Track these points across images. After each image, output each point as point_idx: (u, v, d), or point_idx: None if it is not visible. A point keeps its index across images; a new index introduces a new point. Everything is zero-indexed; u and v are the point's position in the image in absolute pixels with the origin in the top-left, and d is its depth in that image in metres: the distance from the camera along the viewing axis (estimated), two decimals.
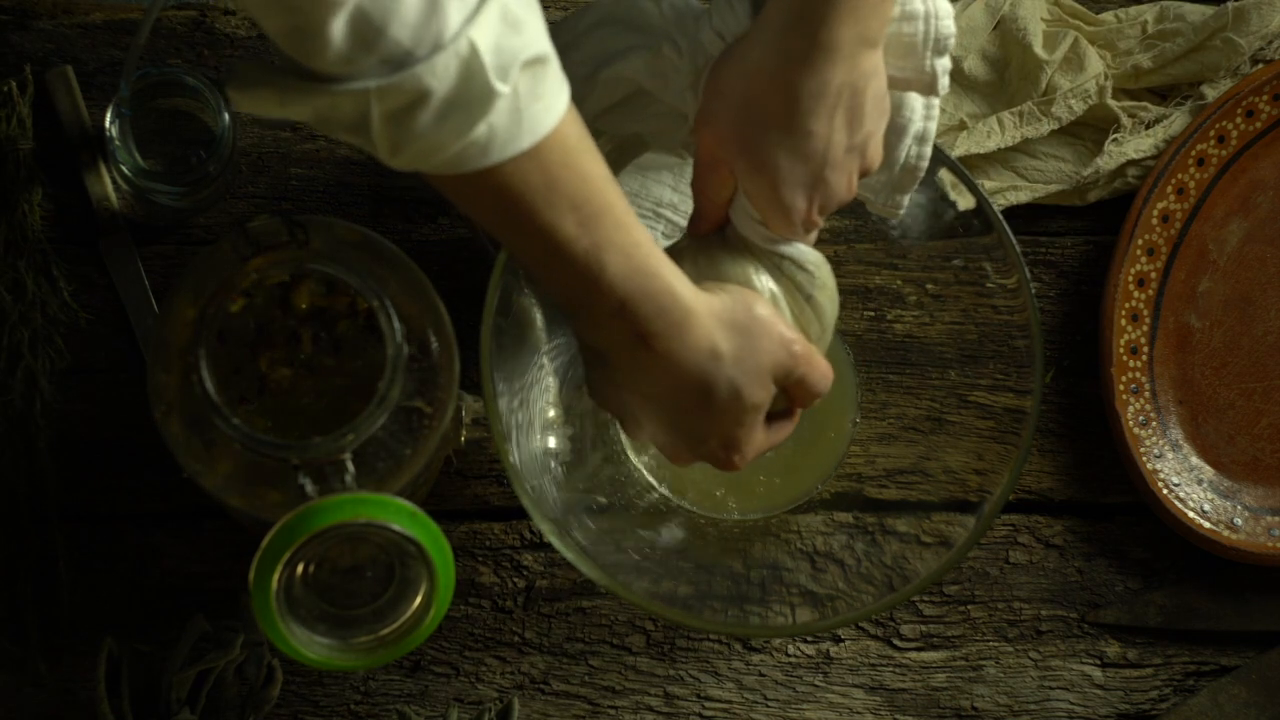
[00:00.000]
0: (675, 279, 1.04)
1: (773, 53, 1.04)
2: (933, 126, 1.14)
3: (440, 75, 0.92)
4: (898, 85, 1.11)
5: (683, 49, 1.10)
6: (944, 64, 1.11)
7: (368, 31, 0.89)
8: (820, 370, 1.11)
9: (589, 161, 1.00)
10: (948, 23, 1.10)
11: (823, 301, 1.14)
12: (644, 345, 1.05)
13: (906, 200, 1.17)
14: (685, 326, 1.05)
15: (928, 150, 1.14)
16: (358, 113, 0.93)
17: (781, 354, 1.08)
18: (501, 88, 0.93)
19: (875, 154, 1.10)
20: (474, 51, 0.92)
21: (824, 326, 1.15)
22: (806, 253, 1.13)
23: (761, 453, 1.13)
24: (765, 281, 1.11)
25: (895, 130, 1.13)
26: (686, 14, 1.11)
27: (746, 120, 1.06)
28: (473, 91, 0.93)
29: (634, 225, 1.02)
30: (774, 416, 1.13)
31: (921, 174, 1.15)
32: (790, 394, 1.11)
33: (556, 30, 1.11)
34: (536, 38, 0.95)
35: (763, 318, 1.08)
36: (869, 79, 1.06)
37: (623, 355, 1.06)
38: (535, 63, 0.95)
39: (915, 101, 1.13)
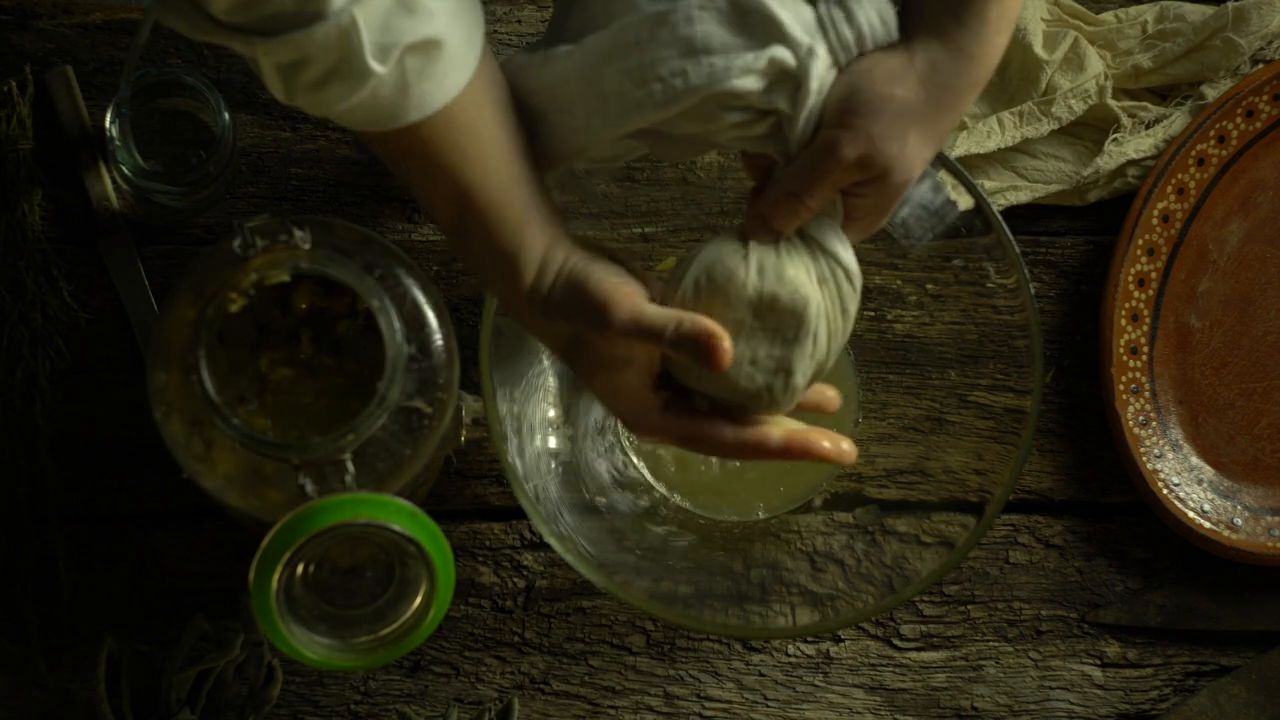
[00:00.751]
0: (526, 261, 1.04)
1: (918, 94, 1.02)
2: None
3: (319, 44, 0.94)
4: None
5: (807, 55, 1.04)
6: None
7: None
8: (657, 314, 1.04)
9: (473, 140, 1.02)
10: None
11: (851, 314, 1.11)
12: (503, 302, 1.07)
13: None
14: (525, 302, 1.05)
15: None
16: (250, 57, 0.96)
17: (595, 301, 1.03)
18: (377, 68, 0.95)
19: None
20: (354, 28, 0.93)
21: (840, 342, 1.11)
22: (853, 264, 1.09)
23: (673, 437, 1.08)
24: (814, 289, 1.08)
25: None
26: (808, 23, 1.05)
27: (900, 121, 1.03)
28: (349, 66, 0.95)
29: (505, 205, 1.03)
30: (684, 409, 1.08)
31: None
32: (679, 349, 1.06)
33: (645, 25, 1.05)
34: (431, 20, 0.96)
35: (595, 278, 1.04)
36: None
37: (500, 301, 1.09)
38: (427, 45, 0.96)
39: None
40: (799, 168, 1.04)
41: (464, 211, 1.04)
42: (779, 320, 1.06)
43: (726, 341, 1.02)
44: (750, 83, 1.02)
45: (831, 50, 1.04)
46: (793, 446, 1.07)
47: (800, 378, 1.07)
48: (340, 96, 0.97)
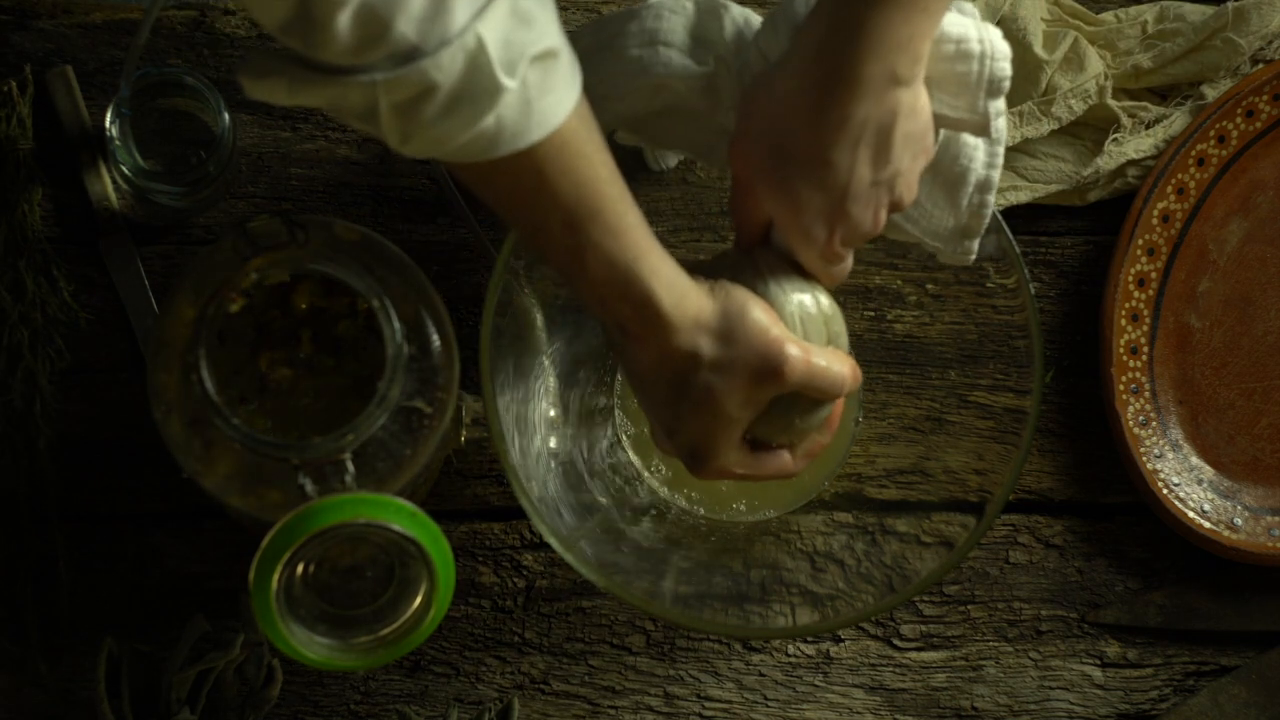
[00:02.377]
0: (660, 287, 1.04)
1: (800, 81, 1.04)
2: (995, 175, 1.13)
3: (446, 70, 0.92)
4: (949, 124, 1.11)
5: (733, 69, 1.10)
6: (998, 106, 1.10)
7: (374, 25, 0.90)
8: (825, 369, 1.10)
9: (585, 164, 1.01)
10: (1004, 65, 1.09)
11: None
12: (625, 335, 1.07)
13: (976, 245, 1.16)
14: (665, 332, 1.06)
15: (990, 199, 1.14)
16: (366, 103, 0.94)
17: (767, 361, 1.07)
18: (508, 83, 0.94)
19: (907, 192, 1.09)
20: (480, 46, 0.92)
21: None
22: (820, 296, 1.13)
23: (737, 475, 1.13)
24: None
25: (955, 178, 1.13)
26: (747, 35, 1.11)
27: (773, 145, 1.06)
28: (479, 86, 0.94)
29: (625, 230, 1.03)
30: (762, 447, 1.14)
31: (987, 219, 1.15)
32: (803, 394, 1.10)
33: (616, 19, 1.12)
34: (547, 31, 0.96)
35: (753, 323, 1.07)
36: (899, 117, 1.05)
37: (612, 334, 1.09)
38: (545, 56, 0.96)
39: (977, 150, 1.12)
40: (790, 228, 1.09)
41: (582, 239, 1.02)
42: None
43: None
44: (690, 85, 1.10)
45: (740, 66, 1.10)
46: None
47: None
48: (466, 124, 0.95)
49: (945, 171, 1.13)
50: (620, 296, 1.05)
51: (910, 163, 1.08)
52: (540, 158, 0.99)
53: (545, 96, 0.97)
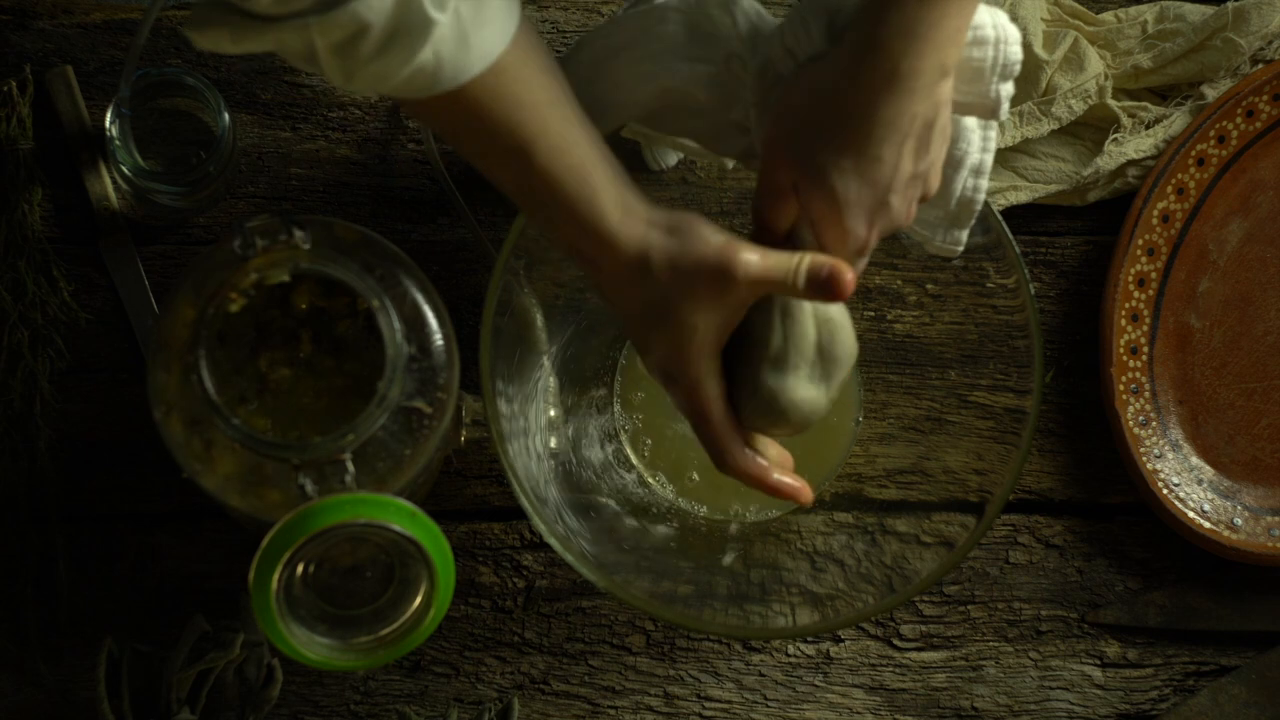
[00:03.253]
0: (606, 203, 1.05)
1: (849, 78, 1.04)
2: (989, 159, 1.13)
3: (375, 7, 0.94)
4: (960, 110, 1.11)
5: (749, 65, 1.10)
6: (1007, 90, 1.10)
7: None
8: (777, 260, 1.07)
9: (524, 90, 1.02)
10: (1015, 49, 1.09)
11: (840, 357, 1.13)
12: (584, 260, 1.08)
13: (965, 236, 1.16)
14: (614, 248, 1.06)
15: (984, 183, 1.14)
16: (304, 46, 0.96)
17: (720, 260, 1.05)
18: (439, 16, 0.96)
19: (935, 180, 1.09)
20: None
21: (833, 382, 1.14)
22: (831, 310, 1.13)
23: (709, 408, 1.10)
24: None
25: (951, 163, 1.13)
26: (760, 29, 1.10)
27: (817, 144, 1.06)
28: (410, 21, 0.95)
29: (567, 149, 1.04)
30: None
31: (979, 208, 1.15)
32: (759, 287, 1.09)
33: (620, 25, 1.11)
34: None
35: (702, 229, 1.06)
36: (940, 108, 1.05)
37: (580, 266, 1.10)
38: None
39: (973, 134, 1.12)
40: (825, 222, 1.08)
41: (528, 166, 1.04)
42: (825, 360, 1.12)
43: (849, 272, 1.06)
44: (698, 86, 1.10)
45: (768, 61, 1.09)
46: (782, 489, 1.12)
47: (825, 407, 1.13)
48: (403, 60, 0.96)
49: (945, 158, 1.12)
50: (568, 218, 1.05)
51: (940, 151, 1.08)
52: (477, 89, 1.00)
53: (481, 29, 0.98)
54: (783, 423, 1.11)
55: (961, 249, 1.17)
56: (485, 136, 1.03)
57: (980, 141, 1.13)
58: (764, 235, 1.11)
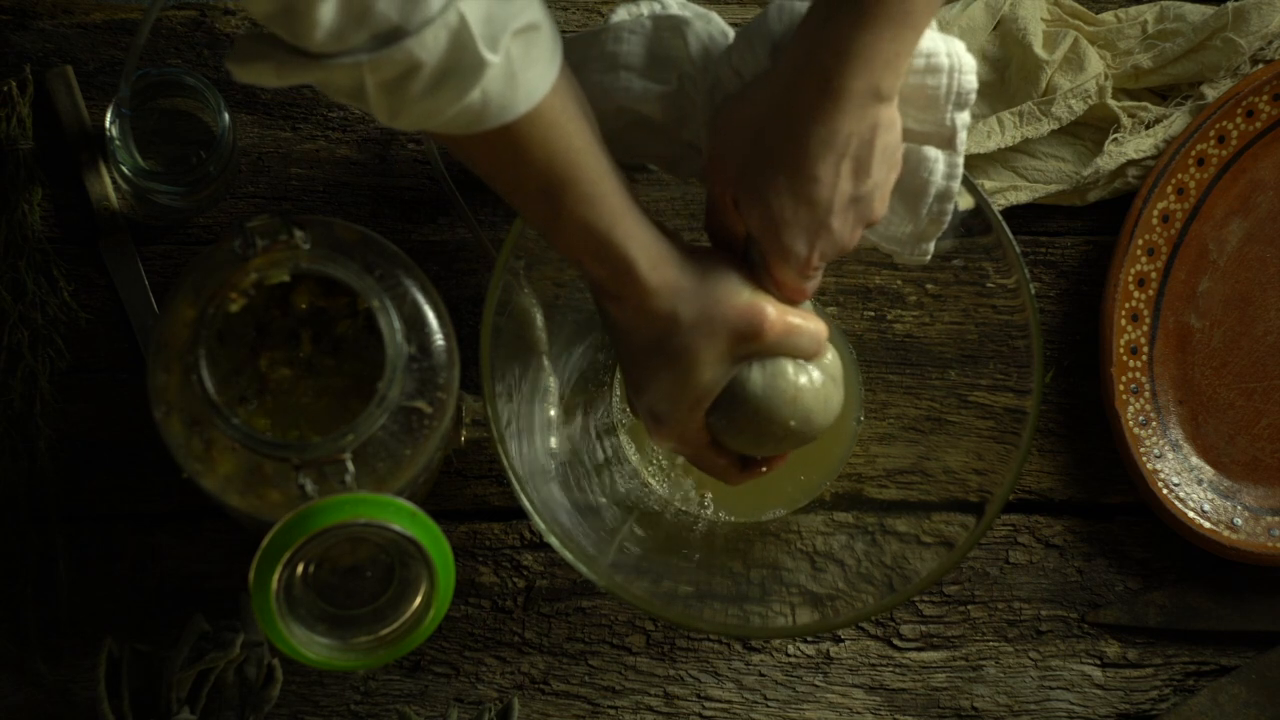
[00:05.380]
0: (636, 251, 1.07)
1: (784, 97, 1.05)
2: (955, 185, 1.14)
3: (430, 47, 0.94)
4: (916, 138, 1.12)
5: (700, 86, 1.11)
6: (963, 119, 1.11)
7: (356, 8, 0.91)
8: (801, 325, 1.11)
9: (560, 135, 1.03)
10: (970, 78, 1.10)
11: (825, 370, 1.15)
12: (604, 294, 1.10)
13: (932, 247, 1.18)
14: (642, 295, 1.08)
15: (950, 207, 1.15)
16: (353, 83, 0.96)
17: (748, 319, 1.09)
18: (491, 57, 0.96)
19: (880, 206, 1.10)
20: (463, 23, 0.94)
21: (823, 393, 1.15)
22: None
23: (687, 451, 1.15)
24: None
25: (917, 189, 1.14)
26: (712, 51, 1.11)
27: (755, 162, 1.07)
28: (463, 61, 0.95)
29: (600, 197, 1.05)
30: (749, 462, 1.18)
31: (945, 225, 1.16)
32: (775, 350, 1.12)
33: (577, 43, 1.13)
34: (528, 5, 0.97)
35: (732, 284, 1.09)
36: (878, 131, 1.06)
37: (593, 290, 1.12)
38: (527, 30, 0.98)
39: (937, 163, 1.13)
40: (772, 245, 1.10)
41: (557, 206, 1.05)
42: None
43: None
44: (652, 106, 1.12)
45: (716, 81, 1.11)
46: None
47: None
48: (452, 99, 0.97)
49: (907, 183, 1.13)
50: (596, 260, 1.07)
51: (884, 176, 1.09)
52: (516, 130, 1.01)
53: (529, 69, 0.99)
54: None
55: (929, 258, 1.18)
56: (521, 174, 1.04)
57: (946, 169, 1.13)
58: (719, 247, 1.14)
